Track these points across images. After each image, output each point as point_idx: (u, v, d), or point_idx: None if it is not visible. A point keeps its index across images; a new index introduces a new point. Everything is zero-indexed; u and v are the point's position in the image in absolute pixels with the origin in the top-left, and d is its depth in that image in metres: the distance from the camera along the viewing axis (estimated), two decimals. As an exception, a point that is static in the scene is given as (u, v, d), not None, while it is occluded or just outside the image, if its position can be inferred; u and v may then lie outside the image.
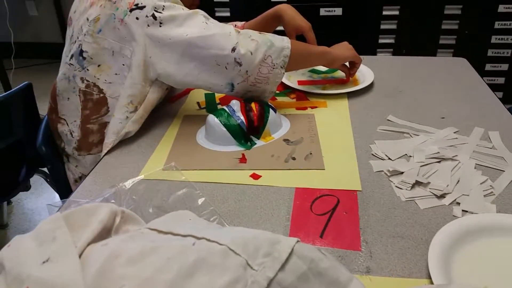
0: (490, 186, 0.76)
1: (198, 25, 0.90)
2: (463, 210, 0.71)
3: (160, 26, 0.89)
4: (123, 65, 0.93)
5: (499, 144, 0.88)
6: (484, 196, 0.74)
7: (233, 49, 0.90)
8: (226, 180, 0.81)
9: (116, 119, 0.95)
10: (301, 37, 1.12)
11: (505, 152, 0.85)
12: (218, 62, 0.91)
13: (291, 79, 1.20)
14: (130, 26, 0.89)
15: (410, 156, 0.85)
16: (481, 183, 0.76)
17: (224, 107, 0.95)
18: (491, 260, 0.62)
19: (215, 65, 0.91)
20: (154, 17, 0.89)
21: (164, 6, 0.90)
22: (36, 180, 1.87)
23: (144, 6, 0.89)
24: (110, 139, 0.95)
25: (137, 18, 0.89)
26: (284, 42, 0.96)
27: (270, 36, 0.95)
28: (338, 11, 2.29)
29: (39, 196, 2.00)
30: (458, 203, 0.73)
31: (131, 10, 0.89)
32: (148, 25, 0.89)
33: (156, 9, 0.89)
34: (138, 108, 0.96)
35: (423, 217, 0.70)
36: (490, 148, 0.87)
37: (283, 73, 0.97)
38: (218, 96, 1.14)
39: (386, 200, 0.74)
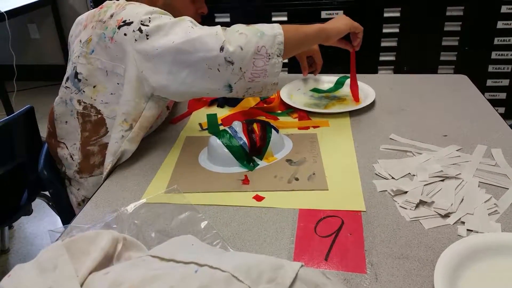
0: (494, 204, 0.75)
1: (184, 30, 0.88)
2: (468, 230, 0.70)
3: (147, 39, 0.88)
4: (118, 84, 0.92)
5: (502, 162, 0.87)
6: (489, 214, 0.73)
7: (221, 48, 0.85)
8: (229, 203, 0.81)
9: (112, 139, 0.94)
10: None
11: (508, 170, 0.85)
12: (209, 65, 0.87)
13: (293, 99, 1.21)
14: (120, 44, 0.89)
15: (414, 175, 0.84)
16: (485, 202, 0.76)
17: (226, 128, 0.95)
18: (497, 280, 0.60)
19: (207, 69, 0.87)
20: (141, 31, 0.88)
21: (150, 18, 0.89)
22: (38, 204, 1.86)
23: (132, 22, 0.89)
24: (108, 160, 0.94)
25: (125, 34, 0.88)
26: (276, 29, 0.91)
27: (259, 26, 0.91)
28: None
29: (41, 220, 1.99)
30: (463, 222, 0.72)
31: (119, 27, 0.89)
32: (136, 40, 0.88)
33: (142, 23, 0.88)
34: (134, 126, 0.94)
35: (428, 237, 0.69)
36: (493, 165, 0.86)
37: (281, 61, 0.91)
38: (220, 117, 1.15)
39: (390, 221, 0.74)
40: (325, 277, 0.47)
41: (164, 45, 0.87)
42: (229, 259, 0.45)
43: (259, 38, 0.88)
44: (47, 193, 1.35)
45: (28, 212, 1.60)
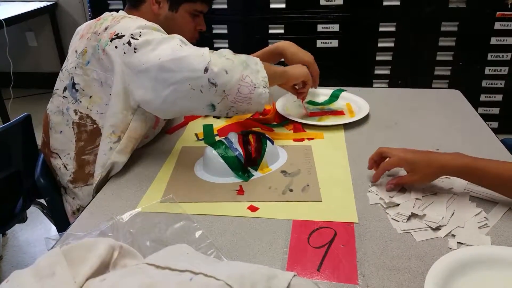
0: (485, 218, 0.77)
1: (172, 47, 0.88)
2: (458, 242, 0.71)
3: (135, 52, 0.89)
4: (110, 95, 0.93)
5: (493, 176, 0.89)
6: (479, 228, 0.74)
7: (206, 70, 0.85)
8: (223, 213, 0.82)
9: (101, 151, 0.95)
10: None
11: (499, 184, 0.86)
12: (192, 86, 0.87)
13: (289, 111, 1.23)
14: (110, 55, 0.90)
15: (406, 190, 0.86)
16: (475, 215, 0.77)
17: (222, 139, 0.96)
18: (488, 293, 0.62)
19: (190, 89, 0.87)
20: (129, 44, 0.89)
21: (141, 32, 0.90)
22: (32, 212, 1.86)
23: (124, 35, 0.90)
24: (97, 172, 0.95)
25: (116, 47, 0.90)
26: (258, 66, 0.93)
27: (244, 57, 0.92)
28: (334, 43, 2.35)
29: (35, 227, 1.98)
30: (454, 235, 0.73)
31: (111, 40, 0.91)
32: (124, 53, 0.89)
33: (132, 36, 0.89)
34: (122, 137, 0.95)
35: (419, 249, 0.71)
36: (484, 179, 0.88)
37: (268, 93, 0.92)
38: (216, 127, 1.16)
39: (382, 233, 0.75)
40: (317, 286, 0.48)
41: (150, 61, 0.87)
42: (224, 268, 0.46)
43: (243, 68, 0.89)
44: (42, 200, 1.35)
45: (23, 219, 1.60)
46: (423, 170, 0.81)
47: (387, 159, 0.86)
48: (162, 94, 0.89)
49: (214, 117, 1.23)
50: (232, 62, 0.88)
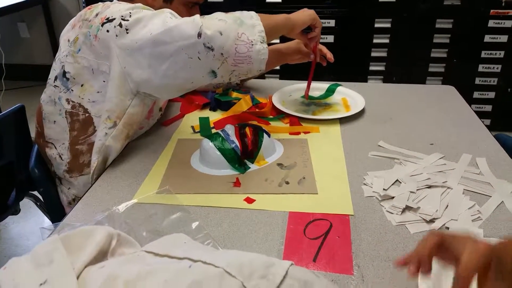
0: (478, 211, 0.78)
1: (162, 20, 0.86)
2: (452, 235, 0.72)
3: (127, 33, 0.87)
4: (104, 81, 0.92)
5: (486, 170, 0.90)
6: (472, 221, 0.75)
7: (199, 34, 0.82)
8: (220, 204, 0.82)
9: (97, 137, 0.94)
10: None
11: (492, 178, 0.88)
12: (189, 54, 0.84)
13: (285, 105, 1.23)
14: (103, 41, 0.89)
15: (401, 182, 0.86)
16: (469, 208, 0.78)
17: (219, 131, 0.96)
18: (481, 284, 0.62)
19: (187, 59, 0.84)
20: (121, 25, 0.88)
21: (131, 13, 0.89)
22: (25, 204, 1.85)
23: (114, 18, 0.89)
24: (93, 158, 0.95)
25: (107, 31, 0.89)
26: (254, 20, 0.89)
27: (238, 13, 0.89)
28: (330, 39, 2.36)
29: (28, 220, 1.97)
30: (447, 228, 0.74)
31: (102, 25, 0.90)
32: (117, 35, 0.88)
33: (123, 18, 0.88)
34: (118, 123, 0.94)
35: (413, 241, 0.71)
36: (477, 174, 0.89)
37: (266, 48, 0.88)
38: (212, 120, 1.16)
39: (377, 225, 0.76)
40: (314, 275, 0.48)
41: (142, 37, 0.85)
42: (222, 256, 0.46)
43: (238, 26, 0.86)
44: (35, 192, 1.34)
45: (16, 211, 1.59)
46: None
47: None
48: (160, 69, 0.86)
49: (210, 109, 1.23)
50: (225, 22, 0.85)
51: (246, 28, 0.86)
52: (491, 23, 2.26)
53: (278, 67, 2.02)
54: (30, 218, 1.98)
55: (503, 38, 2.28)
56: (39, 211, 1.42)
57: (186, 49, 0.84)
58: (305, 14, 1.05)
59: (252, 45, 0.86)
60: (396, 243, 0.71)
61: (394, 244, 0.71)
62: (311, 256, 0.69)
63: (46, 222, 1.53)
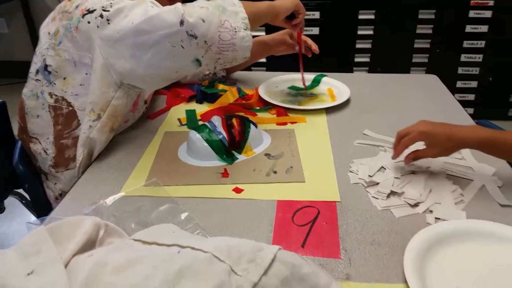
0: (460, 194, 0.80)
1: (143, 9, 0.85)
2: (435, 218, 0.74)
3: (108, 24, 0.86)
4: (86, 74, 0.91)
5: (468, 155, 0.92)
6: (455, 204, 0.77)
7: (181, 22, 0.81)
8: (208, 195, 0.82)
9: (82, 130, 0.94)
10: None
11: (474, 163, 0.90)
12: (172, 43, 0.83)
13: (271, 96, 1.23)
14: (85, 32, 0.88)
15: (386, 169, 0.88)
16: (452, 192, 0.80)
17: (206, 123, 0.97)
18: (462, 263, 0.65)
19: (171, 47, 0.83)
20: (102, 16, 0.87)
21: (111, 3, 0.88)
22: (10, 203, 1.82)
23: (95, 9, 0.88)
24: (79, 152, 0.94)
25: (88, 22, 0.88)
26: (236, 7, 0.88)
27: (220, 1, 0.88)
28: (315, 31, 2.36)
29: (13, 220, 1.94)
30: (431, 211, 0.76)
31: (83, 16, 0.89)
32: (98, 26, 0.87)
33: (104, 9, 0.87)
34: (102, 115, 0.93)
35: (398, 225, 0.73)
36: (460, 159, 0.91)
37: (250, 35, 0.87)
38: (199, 112, 1.16)
39: (363, 210, 0.77)
40: (302, 259, 0.49)
41: (124, 27, 0.84)
42: (211, 242, 0.47)
43: (221, 12, 0.85)
44: (20, 190, 1.32)
45: (0, 210, 1.57)
46: (443, 144, 0.79)
47: (408, 136, 0.82)
48: (143, 59, 0.85)
49: (196, 102, 1.23)
50: (207, 9, 0.84)
51: (229, 15, 0.86)
52: (472, 14, 2.29)
53: (264, 59, 2.02)
54: (16, 218, 1.95)
55: (484, 28, 2.31)
56: (25, 209, 1.40)
57: (168, 37, 0.83)
58: (288, 1, 1.04)
59: (236, 32, 0.86)
60: (382, 227, 0.73)
61: (380, 228, 0.72)
62: (299, 242, 0.70)
63: (33, 220, 1.52)
